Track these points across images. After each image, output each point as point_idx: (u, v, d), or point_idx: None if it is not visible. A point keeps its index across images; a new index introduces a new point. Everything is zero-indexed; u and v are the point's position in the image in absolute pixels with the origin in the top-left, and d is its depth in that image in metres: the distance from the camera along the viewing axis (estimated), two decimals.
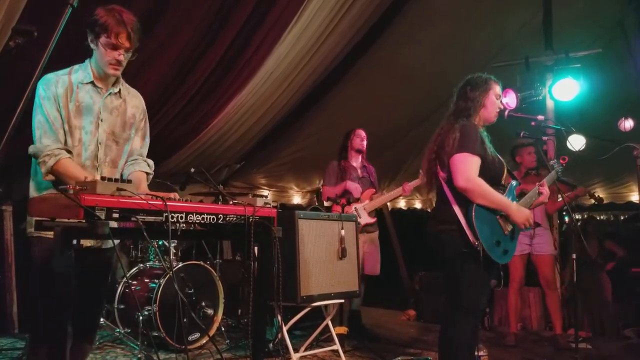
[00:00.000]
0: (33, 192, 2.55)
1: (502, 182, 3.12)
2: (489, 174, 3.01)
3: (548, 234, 5.42)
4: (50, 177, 2.44)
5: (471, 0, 6.11)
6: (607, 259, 7.15)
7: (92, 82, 2.58)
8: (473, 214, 2.89)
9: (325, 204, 5.53)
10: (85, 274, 2.52)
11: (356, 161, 5.52)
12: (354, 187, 5.26)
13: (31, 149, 2.48)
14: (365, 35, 6.06)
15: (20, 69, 3.63)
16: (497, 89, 3.19)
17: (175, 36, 4.64)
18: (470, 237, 2.89)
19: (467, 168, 2.93)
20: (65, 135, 2.51)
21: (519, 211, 3.00)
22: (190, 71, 5.10)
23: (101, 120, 2.60)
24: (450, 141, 3.01)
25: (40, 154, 2.43)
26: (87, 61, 2.61)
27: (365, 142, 5.50)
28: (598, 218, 10.76)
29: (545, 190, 3.27)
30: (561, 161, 3.69)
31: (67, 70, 2.58)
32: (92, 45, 2.52)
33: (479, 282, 2.98)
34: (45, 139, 2.46)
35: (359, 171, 5.48)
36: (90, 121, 2.57)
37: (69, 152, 2.49)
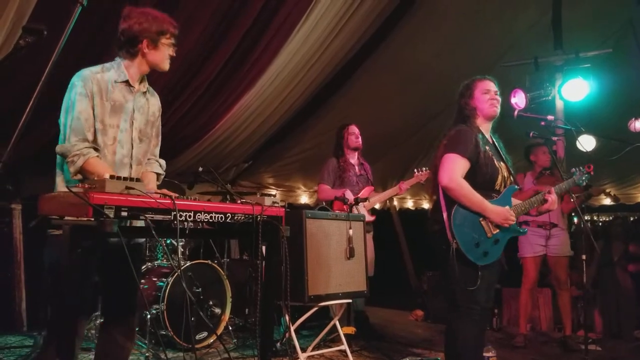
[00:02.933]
0: (61, 187, 2.56)
1: (497, 187, 3.14)
2: (480, 178, 3.07)
3: (564, 234, 5.37)
4: (79, 176, 2.47)
5: (479, 2, 6.08)
6: (630, 261, 7.06)
7: (126, 82, 2.63)
8: (452, 214, 2.99)
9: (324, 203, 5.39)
10: (110, 262, 2.55)
11: (353, 158, 5.42)
12: (350, 196, 5.09)
13: (59, 149, 2.50)
14: (373, 35, 6.04)
15: (30, 68, 3.64)
16: (483, 85, 3.22)
17: (183, 36, 4.63)
18: (449, 237, 2.99)
19: (452, 167, 3.03)
20: (96, 133, 2.54)
21: (495, 212, 3.02)
22: (198, 70, 5.11)
23: (134, 120, 2.66)
24: (442, 146, 3.15)
25: (68, 154, 2.45)
26: (118, 59, 2.66)
27: (360, 139, 5.40)
28: (604, 219, 10.67)
29: (552, 197, 3.25)
30: (587, 169, 3.54)
31: (99, 67, 2.61)
32: (145, 50, 2.62)
33: (468, 280, 2.99)
34: (73, 138, 2.47)
35: (357, 169, 5.40)
36: (125, 120, 2.62)
37: (97, 149, 2.51)
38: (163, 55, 2.67)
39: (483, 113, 3.21)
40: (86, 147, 2.46)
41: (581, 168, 3.57)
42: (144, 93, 2.74)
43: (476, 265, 2.99)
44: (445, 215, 3.04)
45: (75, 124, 2.48)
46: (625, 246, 6.87)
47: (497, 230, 3.05)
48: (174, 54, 2.72)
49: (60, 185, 2.56)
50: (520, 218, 3.24)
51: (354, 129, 5.40)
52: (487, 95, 3.19)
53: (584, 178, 3.55)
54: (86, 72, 2.55)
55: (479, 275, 2.99)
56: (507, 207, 3.08)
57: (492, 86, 3.23)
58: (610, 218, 9.06)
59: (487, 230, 3.03)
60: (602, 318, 6.25)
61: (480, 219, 3.03)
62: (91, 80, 2.52)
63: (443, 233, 3.03)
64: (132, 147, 2.65)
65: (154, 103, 2.83)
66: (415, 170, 5.43)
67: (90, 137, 2.51)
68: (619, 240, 6.83)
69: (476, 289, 3.00)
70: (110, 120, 2.57)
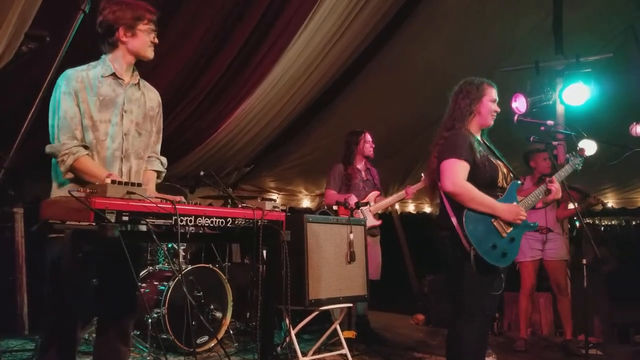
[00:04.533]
0: (55, 192, 2.56)
1: (500, 184, 3.11)
2: (482, 178, 3.04)
3: (561, 239, 5.35)
4: (70, 175, 2.47)
5: (480, 4, 6.10)
6: (601, 264, 7.05)
7: (113, 74, 2.62)
8: (464, 219, 2.94)
9: (334, 207, 5.45)
10: (109, 265, 2.56)
11: (360, 163, 5.45)
12: (352, 200, 5.04)
13: (48, 149, 2.50)
14: (375, 38, 6.05)
15: (32, 74, 3.66)
16: (493, 93, 3.18)
17: (186, 39, 4.66)
18: (464, 243, 2.93)
19: (454, 172, 2.99)
20: (84, 131, 2.54)
21: (505, 210, 3.00)
22: (201, 73, 5.12)
23: (125, 112, 2.64)
24: (436, 152, 3.13)
25: (58, 153, 2.46)
26: (103, 56, 2.66)
27: (373, 147, 5.46)
28: (606, 223, 10.67)
29: (555, 186, 3.24)
30: (580, 152, 3.55)
31: (85, 66, 2.61)
32: (124, 39, 2.60)
33: (478, 286, 2.98)
34: (62, 137, 2.48)
35: (363, 174, 5.41)
36: (115, 114, 2.61)
37: (86, 147, 2.51)
38: (143, 42, 2.64)
39: (482, 121, 3.18)
40: (75, 146, 2.47)
41: (574, 153, 3.58)
42: (137, 85, 2.72)
43: (496, 267, 2.98)
44: (454, 220, 2.99)
45: (62, 123, 2.49)
46: (595, 250, 6.90)
47: (511, 229, 3.02)
48: (157, 41, 2.69)
49: (55, 192, 2.56)
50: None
51: (369, 137, 5.43)
52: (492, 106, 3.16)
53: (578, 162, 3.55)
54: (70, 71, 2.55)
55: (502, 278, 2.99)
56: (515, 203, 3.07)
57: (496, 96, 3.21)
58: (613, 222, 9.07)
59: (501, 230, 3.00)
60: (573, 319, 6.24)
61: (492, 219, 2.99)
62: (74, 79, 2.53)
63: (455, 239, 2.97)
64: (123, 140, 2.62)
65: (152, 97, 2.81)
66: (423, 174, 5.41)
67: (78, 135, 2.52)
68: (589, 243, 6.84)
69: (485, 296, 2.98)
70: (100, 116, 2.56)
